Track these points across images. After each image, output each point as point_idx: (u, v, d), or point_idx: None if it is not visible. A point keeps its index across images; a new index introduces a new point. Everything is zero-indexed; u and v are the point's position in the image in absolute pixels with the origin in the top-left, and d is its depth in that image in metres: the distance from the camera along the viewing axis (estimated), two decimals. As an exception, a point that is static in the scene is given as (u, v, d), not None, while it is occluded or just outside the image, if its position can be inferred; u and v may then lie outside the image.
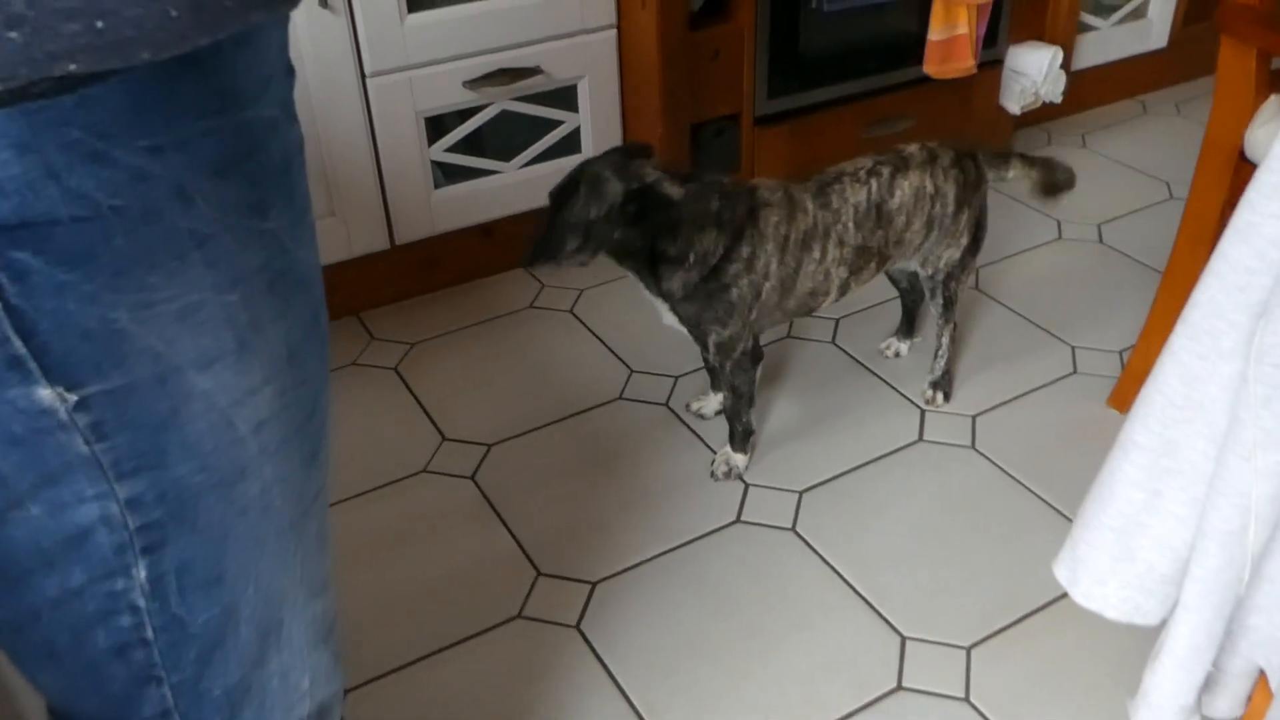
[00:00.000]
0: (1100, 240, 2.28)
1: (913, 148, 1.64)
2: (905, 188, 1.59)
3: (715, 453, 1.70)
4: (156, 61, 0.45)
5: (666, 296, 1.53)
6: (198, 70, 0.49)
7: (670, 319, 1.58)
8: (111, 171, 0.46)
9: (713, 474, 1.67)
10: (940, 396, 1.81)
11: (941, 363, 1.81)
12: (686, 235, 1.44)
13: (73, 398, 0.49)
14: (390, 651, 1.39)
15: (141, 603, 0.57)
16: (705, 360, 1.77)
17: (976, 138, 1.73)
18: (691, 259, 1.46)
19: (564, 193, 1.44)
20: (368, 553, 1.55)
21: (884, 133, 2.33)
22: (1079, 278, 2.16)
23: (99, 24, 0.41)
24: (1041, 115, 2.68)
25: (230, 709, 0.65)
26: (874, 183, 1.57)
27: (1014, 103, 2.46)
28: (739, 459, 1.67)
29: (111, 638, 0.58)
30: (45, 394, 0.48)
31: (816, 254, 1.54)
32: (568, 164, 2.07)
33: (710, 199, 1.46)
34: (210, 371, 0.54)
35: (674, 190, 1.44)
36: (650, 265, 1.49)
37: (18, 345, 0.46)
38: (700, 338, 1.59)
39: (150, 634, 0.59)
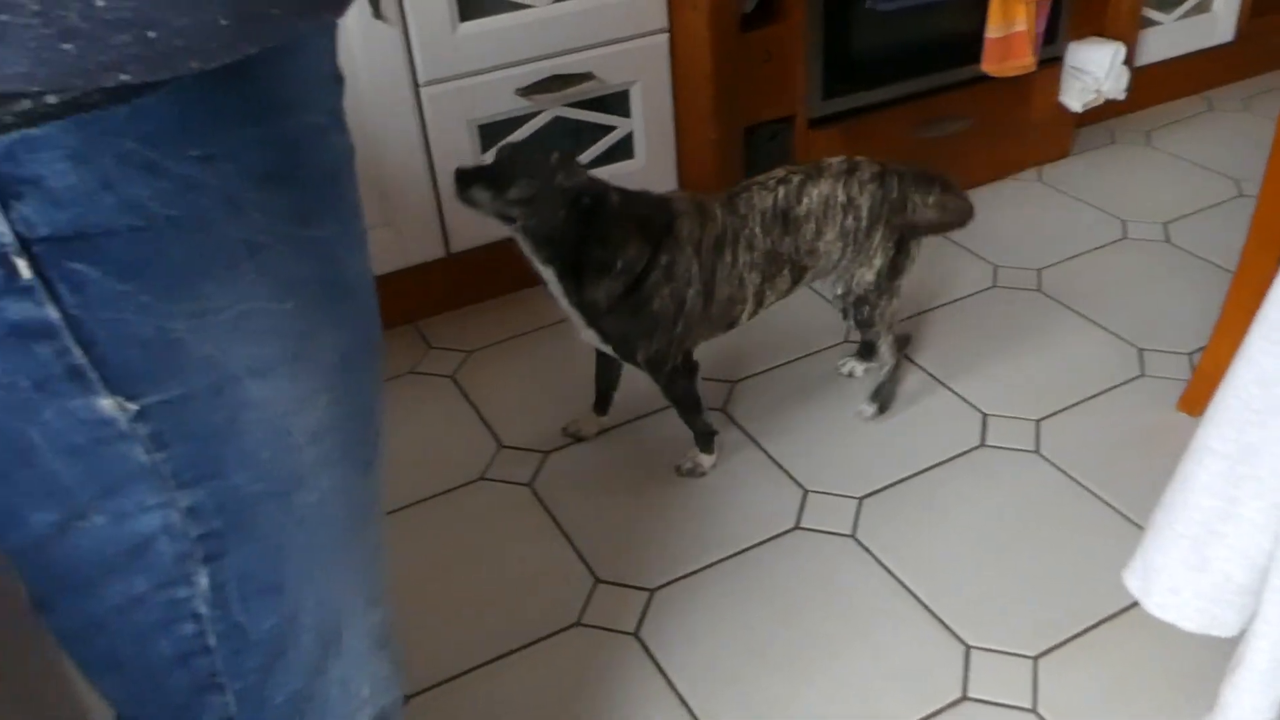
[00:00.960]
0: (1167, 240, 2.23)
1: (835, 159, 1.61)
2: (814, 195, 1.56)
3: (773, 459, 1.69)
4: (205, 71, 0.45)
5: (587, 308, 1.50)
6: (245, 79, 0.49)
7: (589, 334, 1.55)
8: (165, 181, 0.46)
9: (678, 469, 1.67)
10: (871, 409, 1.76)
11: (881, 374, 1.76)
12: (617, 242, 1.44)
13: (132, 407, 0.49)
14: (449, 658, 1.40)
15: (203, 610, 0.58)
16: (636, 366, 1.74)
17: (923, 162, 1.68)
18: (619, 265, 1.45)
19: (526, 150, 1.44)
20: (426, 560, 1.55)
21: (940, 133, 2.30)
22: (1145, 278, 2.11)
23: (150, 34, 0.42)
24: (1104, 113, 2.62)
25: (292, 716, 0.65)
26: (781, 190, 1.55)
27: (1075, 100, 2.41)
28: (705, 459, 1.67)
29: (174, 645, 0.59)
30: (105, 404, 0.48)
31: (728, 258, 1.52)
32: (621, 169, 2.08)
33: (639, 208, 1.47)
34: (265, 380, 0.54)
35: (615, 198, 1.45)
36: (574, 269, 1.47)
37: (78, 355, 0.47)
38: (628, 356, 1.58)
39: (212, 642, 0.59)
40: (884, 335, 1.71)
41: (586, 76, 1.96)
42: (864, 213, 1.59)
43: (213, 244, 0.49)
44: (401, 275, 1.99)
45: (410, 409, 1.86)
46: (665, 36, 2.01)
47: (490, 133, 1.96)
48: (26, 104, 0.41)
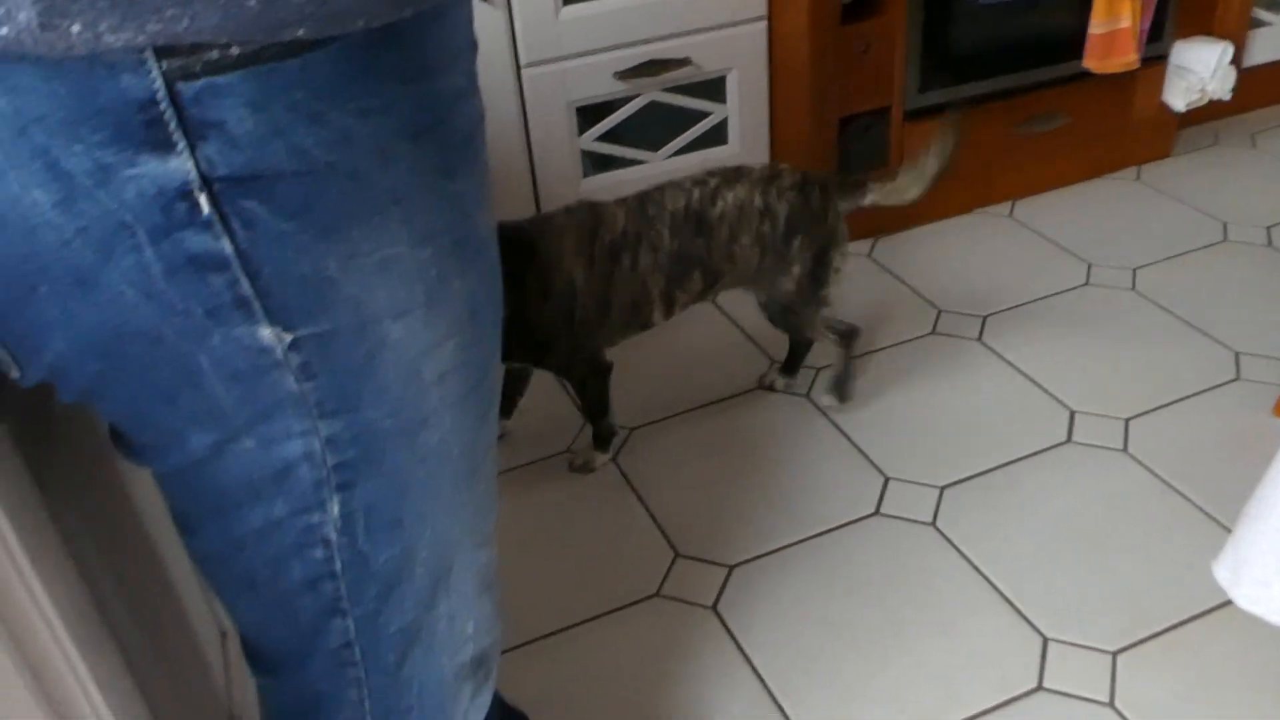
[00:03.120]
0: (1270, 244, 2.18)
1: (758, 165, 1.61)
2: (729, 199, 1.56)
3: (856, 445, 1.70)
4: (368, 30, 0.49)
5: None
6: (399, 41, 0.53)
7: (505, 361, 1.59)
8: (327, 131, 0.50)
9: (570, 463, 1.70)
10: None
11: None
12: None
13: (288, 338, 0.54)
14: (532, 621, 1.44)
15: (333, 537, 0.62)
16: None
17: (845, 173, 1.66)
18: None
19: None
20: (511, 528, 1.60)
21: (1037, 130, 2.27)
22: (1245, 281, 2.07)
23: None
24: (1208, 113, 2.57)
25: (403, 646, 0.70)
26: (696, 191, 1.56)
27: (1179, 100, 2.37)
28: (599, 456, 1.70)
29: (305, 570, 0.63)
30: (266, 333, 0.53)
31: (627, 263, 1.53)
32: (714, 155, 2.10)
33: None
34: (402, 322, 0.58)
35: None
36: None
37: (246, 286, 0.51)
38: (539, 366, 1.63)
39: (339, 568, 0.63)
40: (823, 337, 1.72)
41: (684, 62, 1.98)
42: (781, 220, 1.59)
43: (364, 192, 0.53)
44: (496, 252, 2.03)
45: (500, 382, 1.90)
46: (764, 24, 2.03)
47: (587, 114, 2.00)
48: (214, 54, 0.46)
